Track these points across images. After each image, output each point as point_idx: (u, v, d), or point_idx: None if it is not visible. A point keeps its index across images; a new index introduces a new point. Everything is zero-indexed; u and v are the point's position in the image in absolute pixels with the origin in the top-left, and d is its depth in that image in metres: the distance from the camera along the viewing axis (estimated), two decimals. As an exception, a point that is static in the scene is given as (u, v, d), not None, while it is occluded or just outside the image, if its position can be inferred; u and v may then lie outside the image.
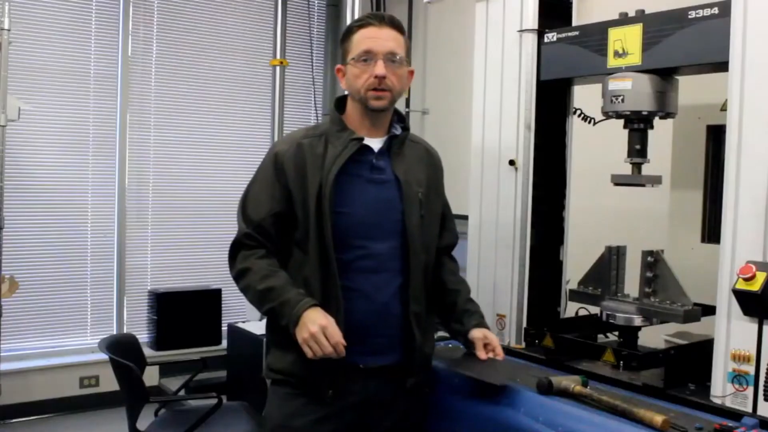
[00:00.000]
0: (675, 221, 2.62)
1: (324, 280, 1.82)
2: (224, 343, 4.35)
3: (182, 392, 3.37)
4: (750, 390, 1.70)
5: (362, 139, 1.88)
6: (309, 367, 1.80)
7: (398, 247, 1.87)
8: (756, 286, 1.63)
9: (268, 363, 1.93)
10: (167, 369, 4.25)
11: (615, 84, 2.05)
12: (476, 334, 1.97)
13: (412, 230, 1.88)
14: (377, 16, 1.91)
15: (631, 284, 2.19)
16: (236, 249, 1.90)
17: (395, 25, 1.89)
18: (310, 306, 1.77)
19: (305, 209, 1.83)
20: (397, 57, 1.86)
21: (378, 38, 1.84)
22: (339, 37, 2.08)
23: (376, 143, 1.91)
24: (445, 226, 2.08)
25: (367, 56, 1.84)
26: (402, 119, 1.99)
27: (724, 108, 1.84)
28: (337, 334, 1.73)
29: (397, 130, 1.95)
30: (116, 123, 4.50)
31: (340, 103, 1.97)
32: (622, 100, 2.03)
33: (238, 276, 1.89)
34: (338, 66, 1.95)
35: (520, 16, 2.30)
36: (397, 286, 1.88)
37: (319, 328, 1.72)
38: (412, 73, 1.97)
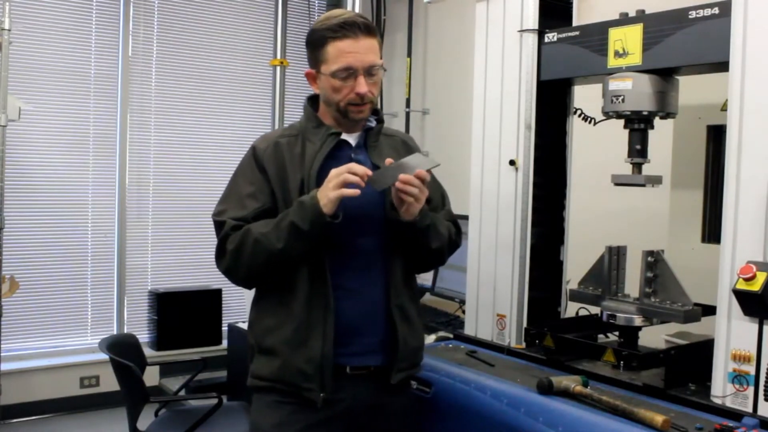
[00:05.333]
0: (675, 221, 2.62)
1: (312, 278, 1.78)
2: (224, 343, 4.34)
3: (182, 392, 3.38)
4: (750, 390, 1.70)
5: (340, 133, 1.85)
6: (297, 371, 1.77)
7: (383, 241, 1.83)
8: (756, 286, 1.63)
9: (253, 370, 1.87)
10: (167, 369, 4.25)
11: (615, 84, 2.05)
12: None
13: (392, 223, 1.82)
14: (352, 26, 1.77)
15: (631, 284, 2.19)
16: (223, 242, 1.82)
17: (369, 30, 1.80)
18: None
19: (288, 208, 1.79)
20: (376, 68, 1.81)
21: (357, 52, 1.77)
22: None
23: (352, 138, 1.89)
24: (443, 209, 2.03)
25: (347, 73, 1.78)
26: (375, 112, 1.94)
27: (724, 108, 1.84)
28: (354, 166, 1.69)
29: (372, 123, 1.92)
30: (116, 123, 4.50)
31: (313, 101, 1.93)
32: (623, 100, 2.03)
33: (238, 249, 1.76)
34: (308, 71, 1.88)
35: (520, 16, 2.30)
36: (384, 282, 1.84)
37: (335, 180, 1.68)
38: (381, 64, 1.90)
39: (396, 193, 1.74)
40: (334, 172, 1.71)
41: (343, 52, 1.77)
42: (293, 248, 1.74)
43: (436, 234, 1.89)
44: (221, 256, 1.83)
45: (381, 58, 1.86)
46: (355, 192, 1.68)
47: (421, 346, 1.97)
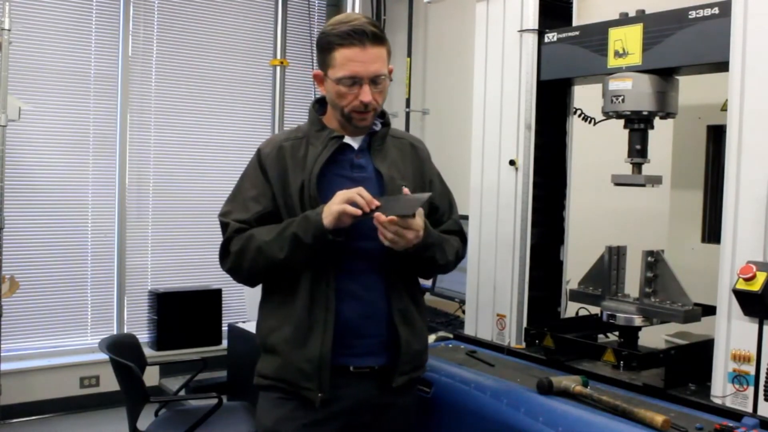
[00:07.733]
0: (675, 221, 2.62)
1: (314, 280, 1.80)
2: (224, 343, 4.33)
3: (182, 392, 3.38)
4: (750, 390, 1.70)
5: (342, 137, 1.86)
6: (297, 370, 1.79)
7: (383, 245, 1.79)
8: (756, 286, 1.63)
9: (258, 369, 1.90)
10: (168, 369, 4.25)
11: (615, 84, 2.05)
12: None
13: None
14: (360, 33, 1.76)
15: (631, 284, 2.19)
16: (227, 244, 1.85)
17: (378, 38, 1.79)
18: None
19: (289, 212, 1.82)
20: (382, 77, 1.81)
21: (363, 61, 1.76)
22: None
23: (355, 141, 1.89)
24: (450, 217, 2.04)
25: (353, 81, 1.78)
26: (382, 114, 1.94)
27: (724, 108, 1.84)
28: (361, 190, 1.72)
29: (377, 126, 1.92)
30: (116, 123, 4.49)
31: (319, 104, 1.94)
32: (623, 100, 2.03)
33: (240, 252, 1.81)
34: (316, 72, 1.88)
35: (520, 16, 2.30)
36: (385, 285, 1.85)
37: (342, 196, 1.71)
38: (390, 70, 1.89)
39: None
40: (342, 193, 1.73)
41: (349, 60, 1.77)
42: (295, 258, 1.78)
43: (441, 255, 1.92)
44: (225, 257, 1.88)
45: (390, 65, 1.86)
46: (357, 211, 1.69)
47: (424, 349, 1.97)
